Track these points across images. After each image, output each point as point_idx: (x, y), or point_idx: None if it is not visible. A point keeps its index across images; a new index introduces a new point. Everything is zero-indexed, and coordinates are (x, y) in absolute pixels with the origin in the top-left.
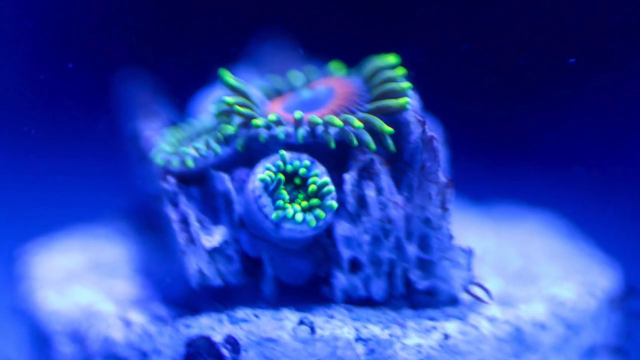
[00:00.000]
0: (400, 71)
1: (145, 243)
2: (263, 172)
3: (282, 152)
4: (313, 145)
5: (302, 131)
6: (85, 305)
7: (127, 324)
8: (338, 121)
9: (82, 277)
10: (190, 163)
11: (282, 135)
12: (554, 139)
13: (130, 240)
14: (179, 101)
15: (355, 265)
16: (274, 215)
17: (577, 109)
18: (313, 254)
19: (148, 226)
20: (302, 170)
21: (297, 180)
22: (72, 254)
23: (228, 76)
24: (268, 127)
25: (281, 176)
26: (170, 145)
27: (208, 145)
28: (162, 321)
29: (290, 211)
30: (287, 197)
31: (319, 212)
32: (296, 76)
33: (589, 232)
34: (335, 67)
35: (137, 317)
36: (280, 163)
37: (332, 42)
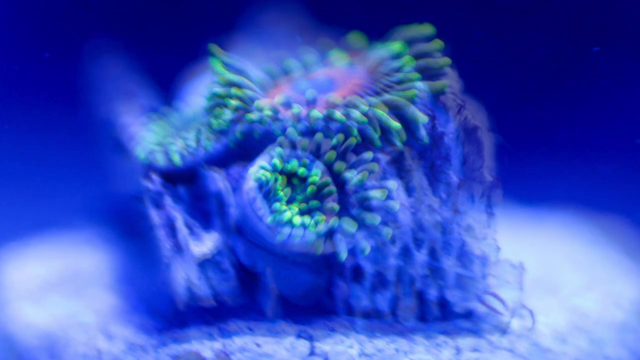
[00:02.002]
0: (437, 44)
1: (127, 249)
2: (258, 171)
3: (279, 149)
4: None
5: (300, 127)
6: (63, 317)
7: (109, 337)
8: (340, 115)
9: (59, 287)
10: (178, 159)
11: (279, 132)
12: (578, 134)
13: (111, 246)
14: (165, 90)
15: (358, 274)
16: (269, 219)
17: (603, 102)
18: (313, 261)
19: (131, 231)
20: (301, 170)
21: (295, 181)
22: (47, 262)
23: (220, 53)
24: (264, 121)
25: (278, 176)
26: (154, 138)
27: (198, 140)
28: (147, 334)
29: (287, 214)
30: (284, 198)
31: (319, 216)
32: (294, 63)
33: (616, 237)
34: (355, 39)
35: (120, 330)
36: (277, 162)
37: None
